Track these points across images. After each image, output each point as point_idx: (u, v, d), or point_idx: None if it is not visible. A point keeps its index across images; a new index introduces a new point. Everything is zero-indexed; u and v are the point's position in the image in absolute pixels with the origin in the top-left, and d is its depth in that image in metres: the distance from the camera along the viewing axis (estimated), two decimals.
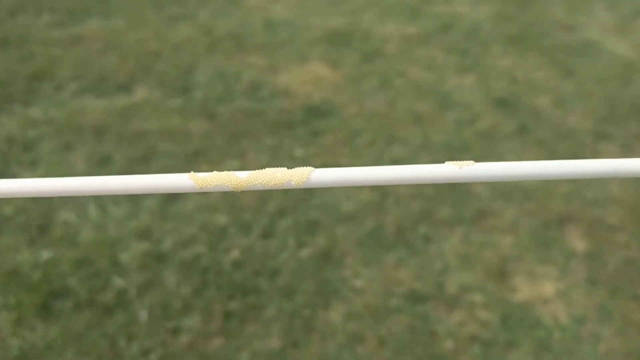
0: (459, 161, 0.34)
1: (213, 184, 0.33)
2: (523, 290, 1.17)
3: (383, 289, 1.16)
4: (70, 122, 1.60)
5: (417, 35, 2.12)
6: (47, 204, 1.31)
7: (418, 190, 1.39)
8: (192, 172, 0.33)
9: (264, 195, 1.35)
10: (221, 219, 1.29)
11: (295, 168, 0.33)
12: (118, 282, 1.15)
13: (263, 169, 0.34)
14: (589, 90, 1.83)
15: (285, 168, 0.34)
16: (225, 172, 0.33)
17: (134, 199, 1.33)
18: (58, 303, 1.11)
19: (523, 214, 1.34)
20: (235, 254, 1.22)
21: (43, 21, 2.10)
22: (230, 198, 1.34)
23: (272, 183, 0.33)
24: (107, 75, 1.81)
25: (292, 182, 0.33)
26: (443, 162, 1.23)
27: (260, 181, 0.33)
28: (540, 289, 1.17)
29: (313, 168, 0.33)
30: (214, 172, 0.33)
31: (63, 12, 2.15)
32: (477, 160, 1.22)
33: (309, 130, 1.60)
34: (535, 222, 1.33)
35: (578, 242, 1.28)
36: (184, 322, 1.09)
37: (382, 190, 1.38)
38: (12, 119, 1.60)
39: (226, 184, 0.33)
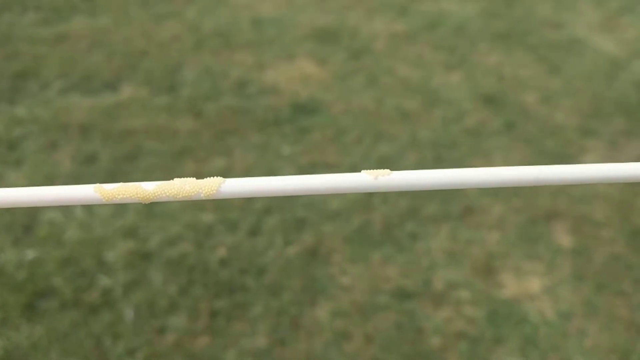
0: (375, 170, 0.33)
1: (120, 197, 0.32)
2: (510, 286, 1.17)
3: (370, 286, 1.16)
4: (55, 120, 1.58)
5: (404, 33, 2.12)
6: None
7: None
8: (98, 184, 0.32)
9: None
10: (207, 217, 1.29)
11: (206, 178, 0.33)
12: (104, 281, 1.14)
13: (171, 180, 0.33)
14: (575, 87, 1.84)
15: (194, 178, 0.33)
16: (132, 183, 0.33)
17: None
18: (43, 303, 1.10)
19: (510, 211, 1.35)
20: (221, 252, 1.21)
21: (28, 19, 2.08)
22: None
23: (181, 195, 0.33)
24: (93, 74, 1.80)
25: (202, 194, 0.33)
26: (430, 159, 1.23)
27: (168, 193, 0.33)
28: (526, 285, 1.18)
29: (223, 179, 0.33)
30: (121, 184, 0.33)
31: (48, 10, 2.13)
32: (464, 157, 1.23)
33: (296, 128, 1.59)
34: (522, 219, 1.33)
35: (564, 238, 1.29)
36: (170, 320, 1.08)
37: None
38: None
39: (133, 197, 0.32)
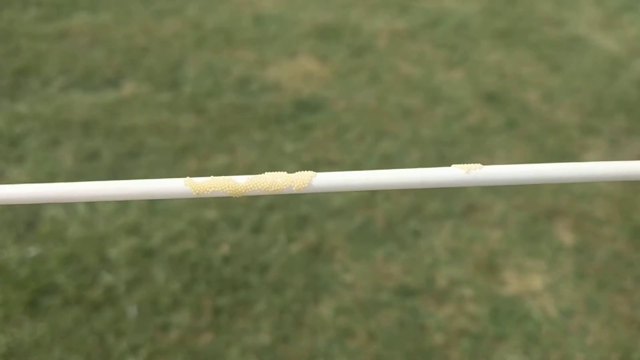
0: (465, 164, 0.33)
1: (210, 190, 0.32)
2: (512, 283, 1.17)
3: (373, 284, 1.16)
4: (57, 117, 1.58)
5: (406, 30, 2.12)
6: None
7: None
8: (188, 178, 0.32)
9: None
10: (210, 214, 1.29)
11: (296, 172, 0.32)
12: (106, 278, 1.15)
13: (263, 174, 0.33)
14: (576, 85, 1.84)
15: (286, 172, 0.33)
16: (223, 177, 0.32)
17: None
18: (46, 299, 1.10)
19: (512, 208, 1.35)
20: (224, 249, 1.22)
21: (29, 15, 2.07)
22: None
23: (273, 188, 0.32)
24: (95, 70, 1.80)
25: (293, 188, 0.32)
26: (432, 156, 1.23)
27: (259, 186, 0.32)
28: (528, 282, 1.18)
29: (314, 173, 0.32)
30: (212, 177, 0.32)
31: (49, 6, 2.13)
32: (467, 154, 1.23)
33: (298, 125, 1.59)
34: (524, 216, 1.33)
35: (566, 236, 1.29)
36: (173, 317, 1.08)
37: None
38: None
39: (224, 190, 0.32)
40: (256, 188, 0.32)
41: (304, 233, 1.26)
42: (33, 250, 1.19)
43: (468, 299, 1.14)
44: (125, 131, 1.54)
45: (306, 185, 0.32)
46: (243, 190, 0.32)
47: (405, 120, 1.64)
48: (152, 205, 1.30)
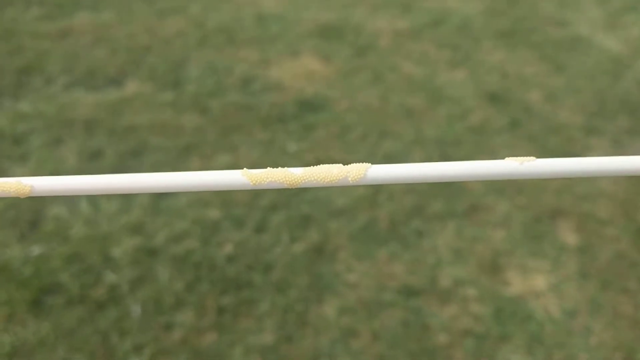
0: (519, 157, 0.33)
1: (267, 181, 0.32)
2: (515, 283, 1.17)
3: (376, 283, 1.16)
4: (60, 116, 1.58)
5: (408, 30, 2.12)
6: (37, 198, 1.30)
7: (411, 185, 1.39)
8: (245, 169, 0.32)
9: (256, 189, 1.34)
10: (214, 213, 1.29)
11: (352, 164, 0.32)
12: (110, 277, 1.15)
13: (317, 166, 0.32)
14: (579, 85, 1.84)
15: (341, 164, 0.32)
16: (280, 169, 0.32)
17: (126, 194, 1.32)
18: (49, 299, 1.10)
19: (515, 208, 1.35)
20: (228, 248, 1.22)
21: (32, 14, 2.07)
22: (222, 192, 1.34)
23: (328, 179, 0.32)
24: (97, 69, 1.80)
25: (349, 178, 0.32)
26: (435, 156, 1.23)
27: (316, 177, 0.32)
28: (532, 282, 1.18)
29: (369, 164, 0.32)
30: (268, 168, 0.32)
31: (52, 5, 2.13)
32: (469, 154, 1.23)
33: (301, 125, 1.59)
34: (527, 216, 1.33)
35: (569, 236, 1.29)
36: (176, 317, 1.08)
37: (375, 185, 1.38)
38: (1, 113, 1.58)
39: (281, 181, 0.32)
40: (312, 179, 0.32)
41: (307, 233, 1.26)
42: (37, 249, 1.19)
43: (471, 299, 1.14)
44: (128, 130, 1.54)
45: (362, 176, 0.32)
46: (299, 182, 0.32)
47: (407, 120, 1.64)
48: (156, 205, 1.30)
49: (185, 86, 1.74)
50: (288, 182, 0.32)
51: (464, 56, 1.97)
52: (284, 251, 1.22)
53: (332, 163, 1.13)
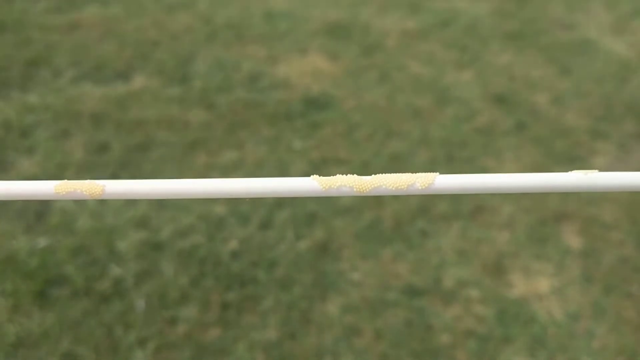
0: (584, 170, 0.33)
1: (337, 186, 0.32)
2: (519, 286, 1.18)
3: (380, 283, 1.16)
4: (67, 108, 1.59)
5: (416, 30, 2.12)
6: None
7: None
8: (315, 175, 0.32)
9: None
10: (219, 209, 1.29)
11: (420, 173, 0.33)
12: (115, 270, 1.15)
13: (386, 174, 0.33)
14: (586, 88, 1.84)
15: (410, 173, 0.33)
16: (350, 175, 0.32)
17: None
18: (55, 290, 1.11)
19: (519, 211, 1.35)
20: (233, 244, 1.22)
21: (41, 6, 2.08)
22: None
23: (396, 186, 0.32)
24: (105, 63, 1.80)
25: (418, 185, 0.32)
26: (441, 157, 1.23)
27: (384, 183, 0.32)
28: (535, 285, 1.18)
29: (437, 173, 0.33)
30: (338, 175, 0.33)
31: None
32: (475, 155, 1.23)
33: (307, 122, 1.60)
34: (532, 219, 1.33)
35: (573, 240, 1.29)
36: (181, 311, 1.09)
37: None
38: (9, 105, 1.59)
39: (351, 186, 0.32)
40: (381, 184, 0.32)
41: (312, 230, 1.26)
42: (43, 241, 1.20)
43: (475, 300, 1.14)
44: (135, 124, 1.55)
45: (430, 183, 0.32)
46: (369, 187, 0.32)
47: (414, 120, 1.64)
48: (162, 199, 1.31)
49: (193, 82, 1.74)
50: (358, 188, 0.32)
51: (471, 57, 1.97)
52: (288, 248, 1.22)
53: (338, 162, 1.14)
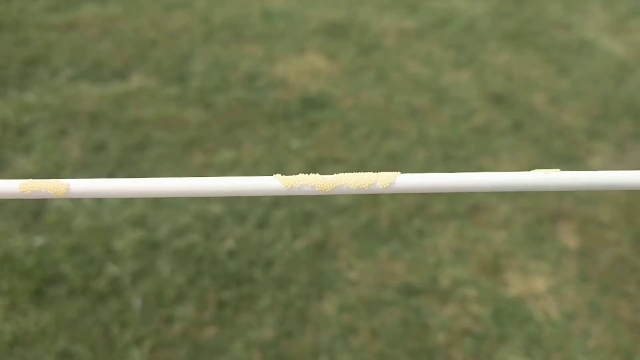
0: (544, 169, 0.33)
1: (299, 185, 0.33)
2: (515, 285, 1.18)
3: (377, 282, 1.17)
4: (65, 107, 1.59)
5: (414, 30, 2.12)
6: None
7: None
8: (278, 174, 0.33)
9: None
10: (216, 208, 1.29)
11: (381, 172, 0.33)
12: (112, 269, 1.15)
13: (348, 173, 0.33)
14: (583, 88, 1.84)
15: (372, 172, 0.33)
16: (312, 174, 0.33)
17: None
18: (51, 289, 1.11)
19: (516, 210, 1.35)
20: (230, 243, 1.22)
21: (38, 5, 2.08)
22: None
23: (358, 185, 0.33)
24: (103, 62, 1.80)
25: (379, 184, 0.33)
26: (438, 156, 1.24)
27: (346, 183, 0.33)
28: (532, 284, 1.18)
29: (399, 172, 0.33)
30: (300, 174, 0.33)
31: None
32: (472, 155, 1.23)
33: (305, 122, 1.60)
34: (528, 218, 1.34)
35: (570, 239, 1.29)
36: (177, 310, 1.09)
37: None
38: (6, 104, 1.59)
39: (313, 185, 0.33)
40: (343, 184, 0.33)
41: (309, 230, 1.26)
42: (39, 240, 1.20)
43: (471, 299, 1.14)
44: (132, 124, 1.55)
45: (391, 182, 0.32)
46: (331, 187, 0.32)
47: (411, 119, 1.64)
48: (158, 198, 1.31)
49: (190, 81, 1.74)
50: (320, 187, 0.33)
51: (469, 57, 1.97)
52: (285, 247, 1.22)
53: (336, 161, 1.14)
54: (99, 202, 1.29)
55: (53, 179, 0.33)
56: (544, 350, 1.07)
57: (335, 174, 0.33)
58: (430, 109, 1.69)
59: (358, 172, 0.33)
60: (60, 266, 1.15)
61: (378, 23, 2.14)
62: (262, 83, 1.75)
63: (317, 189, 0.33)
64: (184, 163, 1.43)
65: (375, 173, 0.33)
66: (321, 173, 0.34)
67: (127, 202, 1.29)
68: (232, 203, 1.31)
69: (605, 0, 2.42)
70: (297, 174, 0.33)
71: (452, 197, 1.37)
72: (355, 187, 0.33)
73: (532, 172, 0.33)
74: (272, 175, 0.33)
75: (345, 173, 0.33)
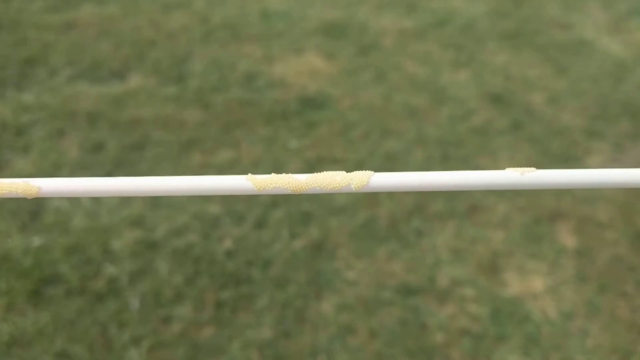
0: (520, 168, 0.33)
1: (272, 186, 0.32)
2: (513, 285, 1.18)
3: (375, 281, 1.17)
4: (63, 108, 1.59)
5: (413, 30, 2.12)
6: None
7: None
8: (250, 174, 0.32)
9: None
10: (214, 208, 1.29)
11: (355, 172, 0.33)
12: (110, 269, 1.15)
13: (321, 172, 0.33)
14: (582, 88, 1.84)
15: (344, 172, 0.33)
16: (285, 175, 0.33)
17: None
18: (49, 289, 1.11)
19: (514, 210, 1.35)
20: (228, 243, 1.22)
21: (37, 5, 2.07)
22: None
23: (332, 186, 0.33)
24: (101, 62, 1.80)
25: (352, 186, 0.33)
26: (437, 156, 1.24)
27: (319, 184, 0.32)
28: (530, 284, 1.18)
29: (373, 172, 0.33)
30: (273, 174, 0.33)
31: None
32: (471, 155, 1.23)
33: (303, 122, 1.60)
34: (526, 218, 1.34)
35: (568, 239, 1.29)
36: (175, 310, 1.09)
37: None
38: (4, 104, 1.59)
39: (285, 187, 0.32)
40: (316, 185, 0.32)
41: (307, 229, 1.26)
42: (37, 240, 1.20)
43: (469, 299, 1.14)
44: (130, 124, 1.55)
45: (365, 184, 0.32)
46: (304, 188, 0.32)
47: (410, 119, 1.64)
48: (157, 198, 1.31)
49: (189, 81, 1.74)
50: (292, 188, 0.32)
51: (467, 57, 1.97)
52: (283, 247, 1.22)
53: (334, 161, 1.14)
54: (96, 202, 1.29)
55: (23, 180, 0.33)
56: (542, 350, 1.07)
57: (308, 174, 0.33)
58: (429, 108, 1.69)
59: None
60: (58, 266, 1.15)
61: (376, 23, 2.14)
62: (260, 83, 1.75)
63: (289, 190, 0.32)
64: (182, 163, 1.43)
65: (349, 173, 0.33)
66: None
67: (125, 202, 1.29)
68: (231, 203, 1.31)
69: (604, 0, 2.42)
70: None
71: (451, 197, 1.37)
72: (328, 188, 0.33)
73: (505, 170, 0.33)
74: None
75: (319, 173, 0.33)
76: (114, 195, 0.32)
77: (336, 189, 0.33)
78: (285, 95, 1.70)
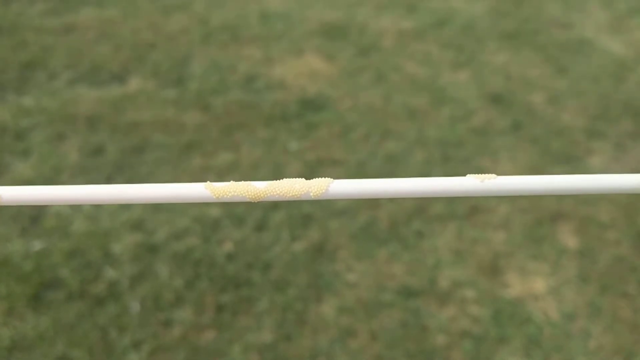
0: (480, 174, 0.33)
1: (230, 194, 0.32)
2: (514, 286, 1.17)
3: (376, 284, 1.16)
4: (63, 111, 1.59)
5: (412, 30, 2.11)
6: None
7: None
8: (208, 182, 0.32)
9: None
10: (214, 211, 1.29)
11: (314, 179, 0.33)
12: (110, 273, 1.15)
13: (280, 180, 0.33)
14: (582, 88, 1.84)
15: (303, 179, 0.33)
16: (243, 182, 0.33)
17: None
18: (49, 293, 1.11)
19: (515, 211, 1.35)
20: (228, 246, 1.22)
21: (36, 9, 2.07)
22: None
23: (290, 194, 0.33)
24: (101, 65, 1.80)
25: (310, 193, 0.33)
26: (437, 157, 1.23)
27: (278, 192, 0.32)
28: (531, 285, 1.18)
29: (332, 180, 0.33)
30: (231, 182, 0.33)
31: (57, 0, 2.13)
32: (471, 155, 1.23)
33: (303, 123, 1.59)
34: (528, 219, 1.33)
35: (569, 239, 1.29)
36: (176, 314, 1.08)
37: None
38: (4, 108, 1.59)
39: (243, 195, 0.32)
40: (274, 193, 0.32)
41: (308, 232, 1.26)
42: (37, 244, 1.20)
43: (470, 301, 1.14)
44: (130, 127, 1.55)
45: (323, 191, 0.32)
46: (262, 195, 0.32)
47: (410, 120, 1.64)
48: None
49: (188, 83, 1.74)
50: (250, 196, 0.32)
51: (467, 57, 1.97)
52: (283, 250, 1.22)
53: (334, 162, 1.14)
54: (97, 207, 1.29)
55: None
56: (544, 351, 1.06)
57: (267, 182, 0.33)
58: (429, 109, 1.69)
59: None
60: (58, 270, 1.14)
61: (376, 24, 2.14)
62: (260, 85, 1.75)
63: (247, 197, 0.32)
64: (182, 166, 1.43)
65: (308, 180, 0.33)
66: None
67: (125, 206, 1.29)
68: (230, 206, 1.31)
69: None
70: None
71: (451, 198, 1.37)
72: (287, 196, 0.33)
73: (466, 177, 0.33)
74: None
75: (278, 180, 0.33)
76: (72, 204, 0.32)
77: (295, 196, 0.33)
78: (285, 97, 1.70)
